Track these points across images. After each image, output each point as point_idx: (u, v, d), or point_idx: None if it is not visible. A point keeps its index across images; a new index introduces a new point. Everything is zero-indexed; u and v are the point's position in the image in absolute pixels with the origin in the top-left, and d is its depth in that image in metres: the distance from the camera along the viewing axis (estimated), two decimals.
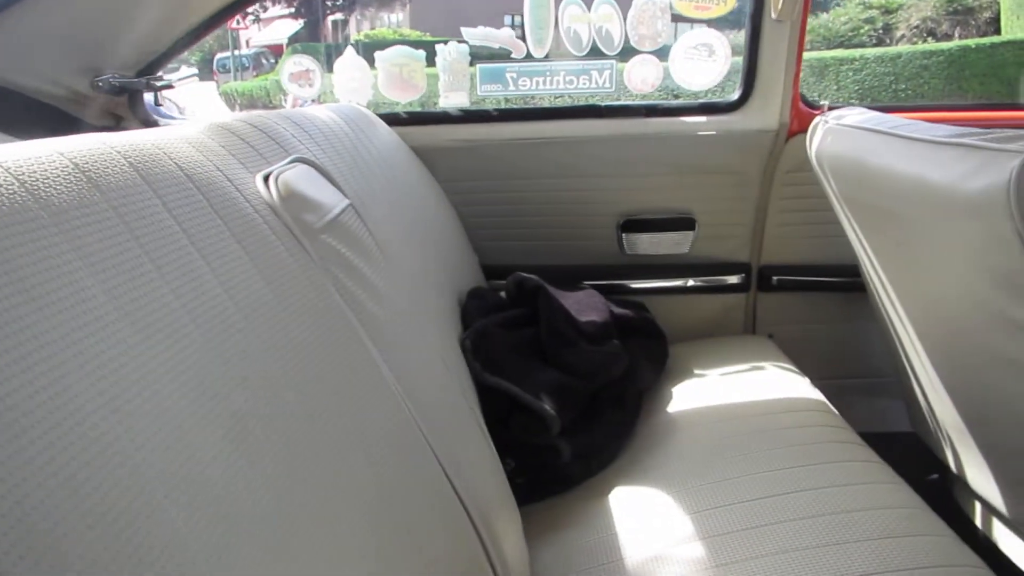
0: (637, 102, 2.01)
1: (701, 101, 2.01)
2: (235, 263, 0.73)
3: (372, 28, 21.59)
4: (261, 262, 0.78)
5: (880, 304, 1.56)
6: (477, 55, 2.03)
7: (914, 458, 1.66)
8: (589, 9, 1.92)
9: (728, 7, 1.92)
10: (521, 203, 2.05)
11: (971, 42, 10.91)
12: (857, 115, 1.47)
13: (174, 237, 0.67)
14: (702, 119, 1.96)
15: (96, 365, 0.51)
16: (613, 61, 1.98)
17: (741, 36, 1.95)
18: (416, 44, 2.05)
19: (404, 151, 1.82)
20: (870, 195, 1.36)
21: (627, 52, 1.96)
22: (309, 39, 20.59)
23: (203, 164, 0.80)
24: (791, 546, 1.08)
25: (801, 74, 1.95)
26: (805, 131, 1.64)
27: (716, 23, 1.97)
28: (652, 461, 1.41)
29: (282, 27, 21.42)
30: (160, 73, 1.64)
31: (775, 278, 2.09)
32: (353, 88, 2.01)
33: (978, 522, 1.50)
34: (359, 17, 22.37)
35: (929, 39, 12.23)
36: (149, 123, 1.70)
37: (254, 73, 17.57)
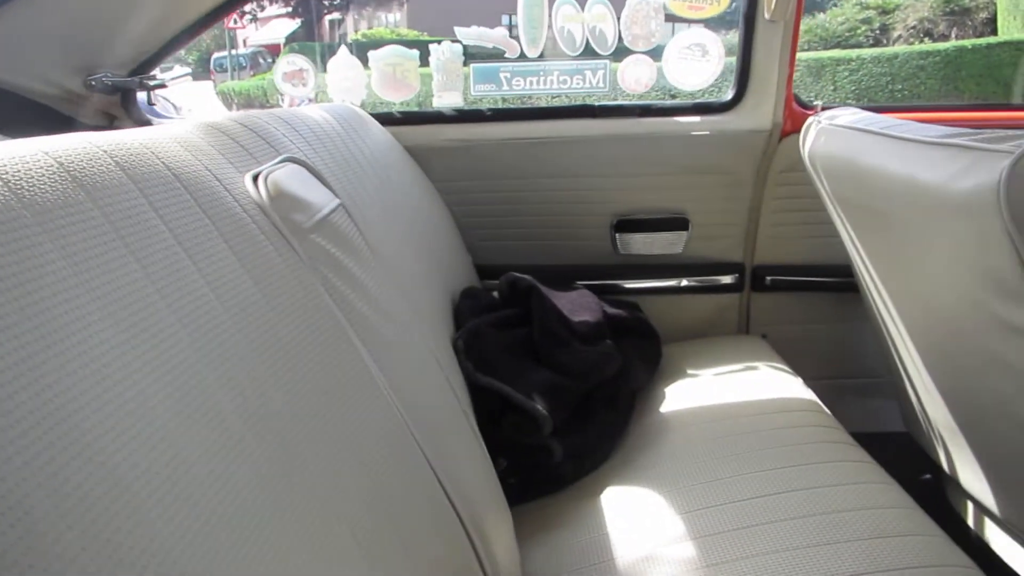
0: (631, 102, 2.01)
1: (694, 101, 2.01)
2: (222, 263, 0.73)
3: (369, 28, 21.59)
4: (249, 262, 0.78)
5: (873, 305, 1.56)
6: (475, 55, 2.03)
7: (907, 458, 1.67)
8: (583, 9, 1.92)
9: (722, 7, 1.92)
10: (515, 203, 2.05)
11: (967, 43, 10.93)
12: (850, 115, 1.47)
13: (160, 237, 0.67)
14: (695, 119, 1.96)
15: (79, 364, 0.51)
16: (607, 61, 1.98)
17: (736, 37, 1.95)
18: (413, 44, 2.04)
19: (398, 151, 1.81)
20: (862, 195, 1.37)
21: (621, 52, 1.96)
22: (306, 38, 20.60)
23: (192, 163, 0.80)
24: (781, 546, 1.08)
25: (798, 74, 1.95)
26: (798, 131, 1.64)
27: (712, 24, 1.96)
28: (644, 461, 1.41)
29: (279, 26, 21.43)
30: (154, 72, 1.64)
31: (768, 278, 2.09)
32: (347, 88, 2.00)
33: (971, 522, 1.50)
34: (356, 17, 22.37)
35: (926, 39, 12.25)
36: (142, 122, 1.69)
37: (251, 72, 17.58)
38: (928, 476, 1.75)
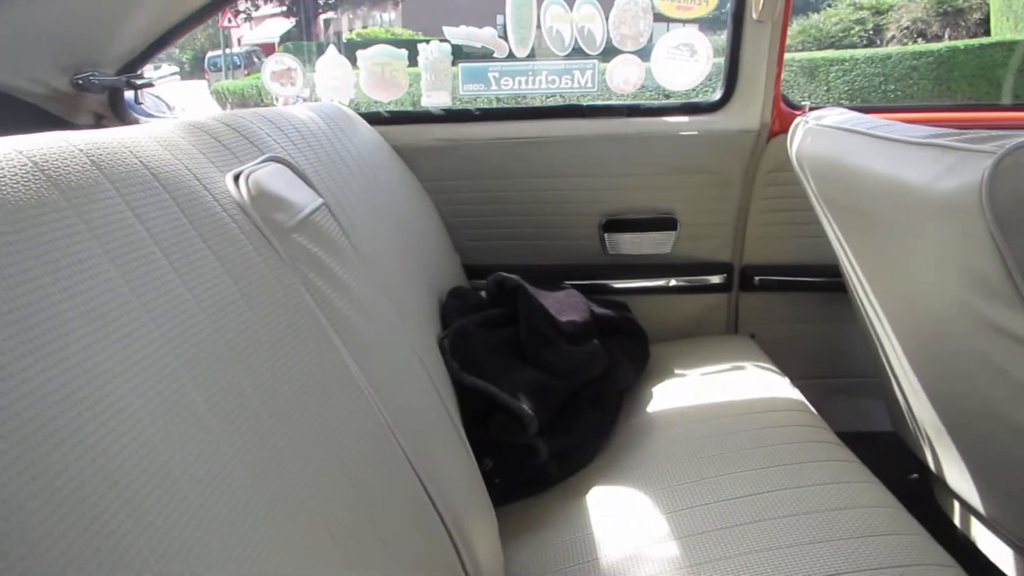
0: (619, 102, 2.01)
1: (683, 101, 2.01)
2: (201, 263, 0.73)
3: (364, 27, 21.57)
4: (228, 262, 0.77)
5: (860, 305, 1.56)
6: (470, 55, 2.03)
7: (895, 458, 1.67)
8: (571, 9, 1.92)
9: (710, 7, 1.92)
10: (503, 203, 2.05)
11: (960, 43, 10.95)
12: (837, 115, 1.48)
13: (136, 236, 0.66)
14: (684, 119, 1.96)
15: (49, 364, 0.50)
16: (595, 61, 1.98)
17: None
18: (409, 43, 2.04)
19: (386, 150, 1.81)
20: (849, 195, 1.37)
21: (610, 52, 1.96)
22: (301, 38, 20.56)
23: (171, 163, 0.80)
24: (765, 545, 1.08)
25: (791, 75, 1.95)
26: (787, 131, 1.64)
27: (706, 24, 1.96)
28: (630, 461, 1.41)
29: (274, 26, 21.37)
30: (141, 71, 1.63)
31: (757, 278, 2.09)
32: (335, 87, 2.00)
33: (957, 521, 1.50)
34: (351, 16, 22.35)
35: (919, 40, 12.25)
36: (130, 122, 1.69)
37: (245, 72, 17.52)
38: (915, 476, 1.75)
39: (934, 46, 11.12)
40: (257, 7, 20.63)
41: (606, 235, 2.06)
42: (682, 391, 1.65)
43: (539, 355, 1.51)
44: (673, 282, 2.11)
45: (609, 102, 2.02)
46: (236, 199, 0.88)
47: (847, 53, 11.37)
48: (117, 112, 1.65)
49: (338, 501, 0.75)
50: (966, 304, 1.09)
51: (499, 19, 2.06)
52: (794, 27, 12.92)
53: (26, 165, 0.59)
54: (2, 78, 1.38)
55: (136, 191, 0.70)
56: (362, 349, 0.96)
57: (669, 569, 1.08)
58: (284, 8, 20.95)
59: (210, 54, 19.04)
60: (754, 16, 1.83)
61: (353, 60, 2.03)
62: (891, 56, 11.06)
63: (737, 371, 1.72)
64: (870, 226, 1.33)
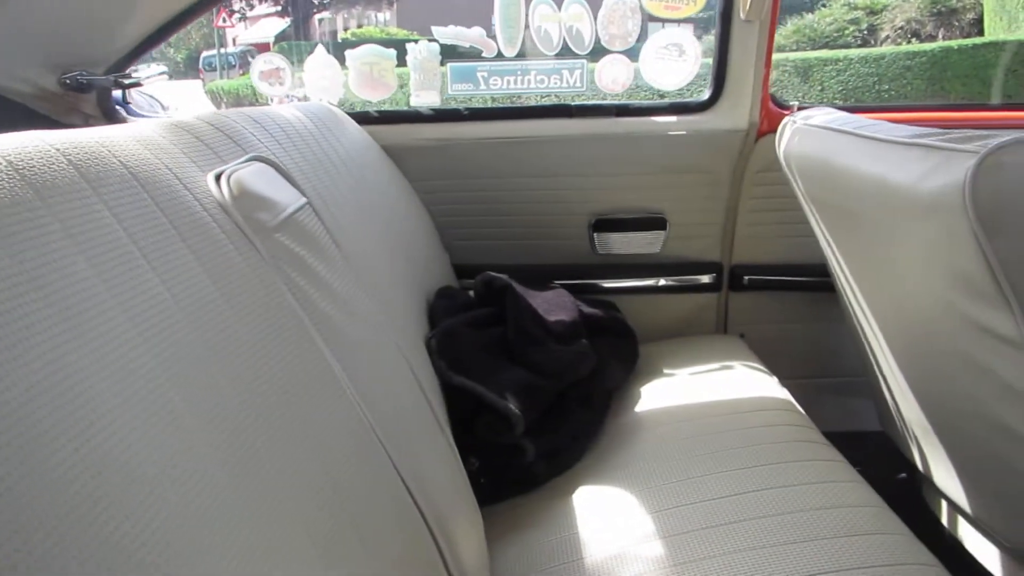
0: (608, 102, 2.01)
1: (671, 101, 2.01)
2: (179, 262, 0.73)
3: (359, 26, 21.57)
4: (208, 261, 0.77)
5: (848, 305, 1.56)
6: (464, 54, 2.03)
7: (884, 457, 1.67)
8: (559, 8, 1.92)
9: (698, 6, 1.92)
10: (493, 202, 2.05)
11: (953, 43, 10.96)
12: (824, 115, 1.48)
13: (113, 235, 0.66)
14: (672, 119, 1.97)
15: (23, 363, 0.50)
16: (584, 61, 1.98)
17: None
18: (401, 43, 2.03)
19: (374, 150, 1.81)
20: (835, 195, 1.37)
21: (599, 52, 1.96)
22: (296, 37, 20.54)
23: (151, 162, 0.80)
24: (749, 544, 1.08)
25: (785, 75, 1.96)
26: (775, 131, 1.64)
27: (701, 24, 1.96)
28: (617, 460, 1.41)
29: (269, 25, 21.36)
30: (129, 71, 1.63)
31: (746, 278, 2.09)
32: (324, 87, 2.00)
33: (944, 520, 1.50)
34: (346, 16, 22.34)
35: (913, 40, 12.28)
36: (118, 121, 1.69)
37: (240, 72, 17.50)
38: (904, 475, 1.76)
39: (927, 46, 11.14)
40: (252, 7, 20.62)
41: (596, 235, 2.06)
42: (670, 391, 1.65)
43: (527, 355, 1.51)
44: (662, 282, 2.11)
45: (598, 102, 2.03)
46: (217, 198, 0.87)
47: (841, 53, 11.38)
48: (106, 112, 1.65)
49: (318, 501, 0.75)
50: (951, 304, 1.09)
51: (494, 19, 2.05)
52: (788, 27, 12.95)
53: (0, 164, 0.59)
54: None
55: (114, 190, 0.70)
56: (345, 348, 0.95)
57: (653, 568, 1.08)
58: (279, 8, 20.93)
59: (205, 54, 19.04)
60: (742, 16, 1.83)
61: (343, 60, 2.03)
62: (885, 56, 11.08)
63: (725, 371, 1.72)
64: (856, 226, 1.33)
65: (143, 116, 1.80)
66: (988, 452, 1.20)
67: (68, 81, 1.48)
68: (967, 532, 1.41)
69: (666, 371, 1.75)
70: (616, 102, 2.00)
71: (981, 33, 11.87)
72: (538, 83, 2.01)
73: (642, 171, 2.00)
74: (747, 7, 1.80)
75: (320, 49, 2.01)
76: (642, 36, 1.98)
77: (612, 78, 1.98)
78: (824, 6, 13.46)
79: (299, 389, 0.81)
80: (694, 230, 2.07)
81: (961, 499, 1.33)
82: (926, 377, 1.32)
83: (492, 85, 2.01)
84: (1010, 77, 10.32)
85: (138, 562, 0.50)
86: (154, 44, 1.64)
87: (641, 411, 1.58)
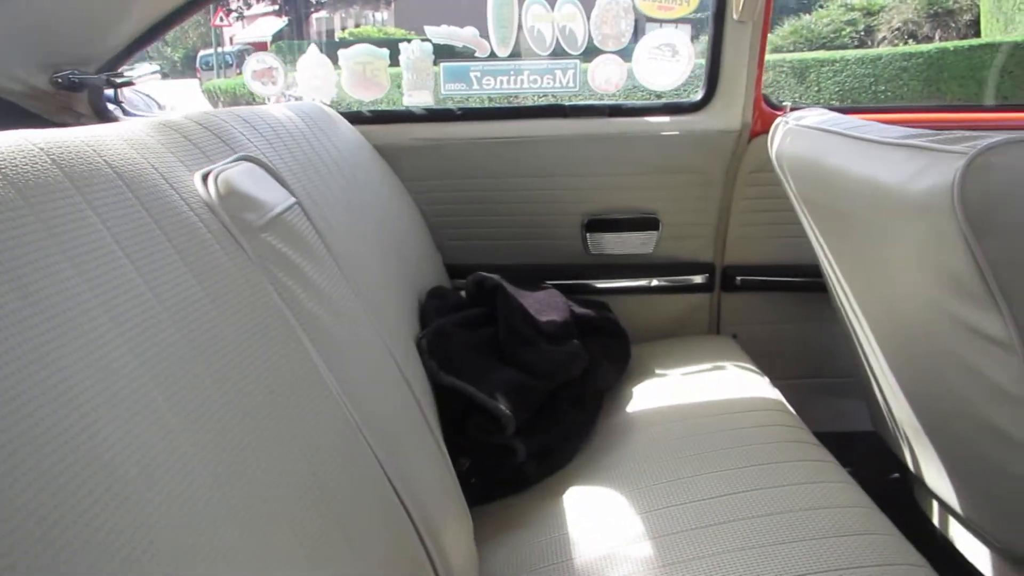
0: (601, 102, 2.01)
1: (664, 101, 2.01)
2: (164, 262, 0.73)
3: (357, 26, 21.55)
4: (194, 261, 0.77)
5: (840, 305, 1.56)
6: (462, 53, 2.02)
7: (876, 457, 1.68)
8: (552, 8, 1.91)
9: (691, 7, 1.92)
10: (485, 202, 2.05)
11: (950, 44, 10.97)
12: (817, 116, 1.48)
13: (97, 235, 0.66)
14: (665, 119, 1.97)
15: (5, 361, 0.50)
16: (577, 61, 1.98)
17: None
18: (397, 42, 2.03)
19: (367, 150, 1.81)
20: (827, 196, 1.37)
21: (593, 52, 1.96)
22: (293, 37, 20.53)
23: (137, 162, 0.80)
24: (737, 545, 1.08)
25: (783, 75, 1.96)
26: (767, 132, 1.64)
27: (698, 25, 1.96)
28: (608, 461, 1.41)
29: (266, 25, 21.34)
30: (121, 70, 1.63)
31: (739, 278, 2.09)
32: (316, 86, 2.00)
33: (935, 521, 1.51)
34: (344, 15, 22.33)
35: (910, 41, 12.29)
36: (110, 120, 1.69)
37: (237, 71, 17.49)
38: (896, 475, 1.76)
39: (924, 47, 11.15)
40: (249, 6, 20.60)
41: (588, 235, 2.06)
42: (662, 391, 1.65)
43: (518, 355, 1.51)
44: (655, 282, 2.11)
45: (591, 102, 2.03)
46: (204, 198, 0.87)
47: (838, 54, 11.39)
48: (97, 111, 1.65)
49: (303, 501, 0.75)
50: (940, 305, 1.09)
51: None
52: (785, 28, 12.97)
53: None
54: None
55: (98, 190, 0.70)
56: (332, 349, 0.95)
57: (642, 569, 1.08)
58: (276, 7, 20.91)
59: (202, 53, 19.04)
60: (735, 17, 1.83)
61: (335, 59, 2.03)
62: (881, 57, 11.08)
63: (717, 371, 1.72)
64: (848, 226, 1.33)
65: (138, 115, 1.80)
66: (978, 453, 1.20)
67: (60, 80, 1.48)
68: (958, 532, 1.41)
69: (658, 371, 1.75)
70: (609, 102, 2.00)
71: (978, 34, 11.88)
72: (531, 83, 2.01)
73: (635, 171, 2.00)
74: (740, 8, 1.80)
75: (313, 48, 2.01)
76: (640, 36, 1.98)
77: (605, 78, 1.98)
78: (821, 7, 13.48)
79: (285, 389, 0.81)
80: (687, 230, 2.07)
81: (952, 499, 1.34)
82: (917, 378, 1.32)
83: (485, 85, 2.01)
84: (1007, 78, 10.32)
85: (121, 561, 0.50)
86: (146, 43, 1.64)
87: (632, 411, 1.58)
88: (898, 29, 12.56)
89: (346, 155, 1.57)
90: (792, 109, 1.74)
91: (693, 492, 1.23)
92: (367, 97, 2.02)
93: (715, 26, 1.88)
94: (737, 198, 2.01)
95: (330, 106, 1.87)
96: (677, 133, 1.95)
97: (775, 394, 1.58)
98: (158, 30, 1.64)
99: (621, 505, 1.25)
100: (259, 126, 1.21)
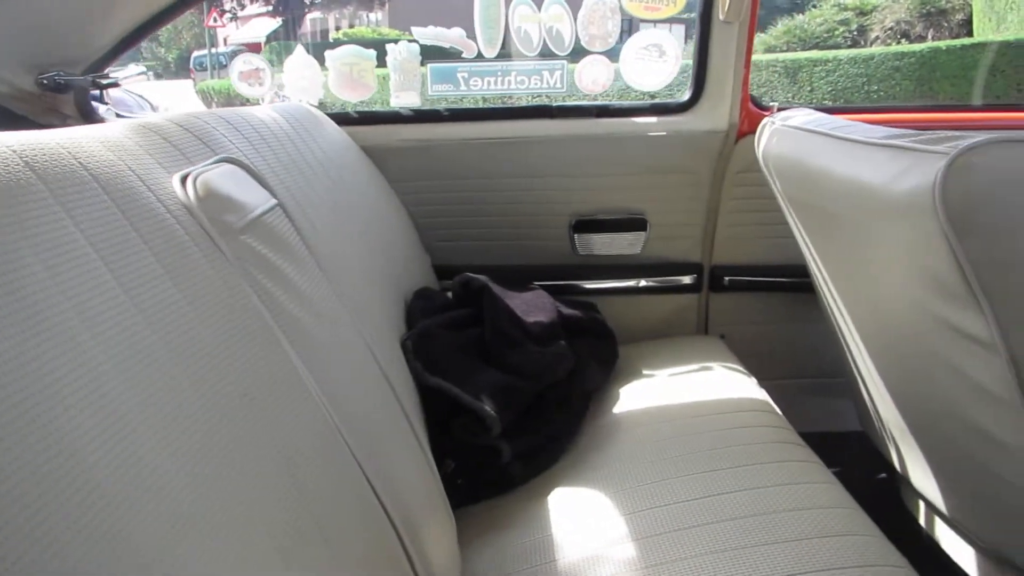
0: (589, 102, 2.01)
1: (652, 102, 2.01)
2: (139, 264, 0.73)
3: (351, 27, 21.54)
4: (170, 264, 0.77)
5: (827, 305, 1.57)
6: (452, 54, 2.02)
7: (865, 457, 1.68)
8: (539, 9, 1.91)
9: (678, 7, 1.92)
10: (473, 203, 2.05)
11: (942, 44, 10.99)
12: (803, 116, 1.48)
13: (70, 238, 0.66)
14: (652, 120, 1.97)
15: None
16: (564, 61, 1.98)
17: None
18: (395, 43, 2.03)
19: (354, 151, 1.81)
20: (812, 196, 1.37)
21: (580, 53, 1.96)
22: (287, 37, 20.52)
23: (113, 164, 0.79)
24: (720, 547, 1.08)
25: (776, 75, 1.96)
26: (755, 132, 1.64)
27: (692, 25, 1.96)
28: (594, 462, 1.41)
29: (260, 25, 21.31)
30: (107, 71, 1.62)
31: (727, 278, 2.10)
32: (303, 87, 2.00)
33: (922, 521, 1.51)
34: (338, 16, 22.32)
35: (903, 41, 12.30)
36: (96, 121, 1.68)
37: None
38: (884, 475, 1.76)
39: (917, 47, 11.15)
40: (243, 7, 20.57)
41: (576, 235, 2.06)
42: (649, 392, 1.65)
43: (504, 356, 1.51)
44: (643, 283, 2.11)
45: (579, 103, 2.03)
46: (183, 200, 0.87)
47: (831, 54, 11.39)
48: (83, 112, 1.64)
49: (280, 502, 0.75)
50: (924, 305, 1.09)
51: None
52: (779, 27, 12.98)
53: None
54: None
55: (72, 193, 0.69)
56: (312, 350, 0.95)
57: (625, 570, 1.08)
58: (270, 8, 20.89)
59: (196, 53, 19.02)
60: (721, 17, 1.83)
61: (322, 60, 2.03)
62: (874, 57, 11.09)
63: (704, 372, 1.72)
64: (833, 227, 1.33)
65: (128, 117, 1.80)
66: (964, 453, 1.20)
67: (45, 81, 1.47)
68: (944, 532, 1.41)
69: (645, 372, 1.75)
70: (597, 103, 2.00)
71: (970, 34, 11.90)
72: (518, 84, 2.00)
73: (623, 172, 2.00)
74: (726, 8, 1.80)
75: (299, 49, 2.01)
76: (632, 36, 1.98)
77: (592, 79, 1.98)
78: (814, 7, 13.49)
79: (263, 391, 0.81)
80: (675, 231, 2.07)
81: (937, 500, 1.34)
82: (902, 378, 1.32)
83: (472, 86, 2.01)
84: (999, 77, 10.34)
85: (94, 568, 0.50)
86: (132, 43, 1.63)
87: (619, 412, 1.58)
88: (891, 29, 12.57)
89: (332, 156, 1.57)
90: (779, 109, 1.74)
91: (677, 493, 1.23)
92: (354, 98, 2.02)
93: (702, 27, 1.88)
94: (725, 198, 2.01)
95: (317, 107, 1.87)
96: (664, 134, 1.95)
97: (761, 395, 1.58)
98: (144, 31, 1.63)
99: (606, 506, 1.25)
100: (242, 128, 1.21)
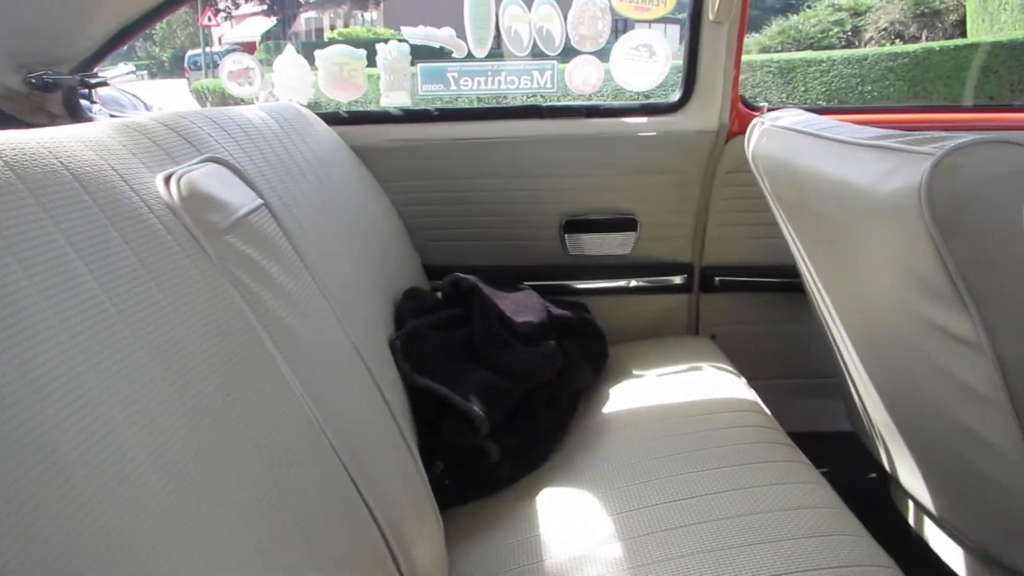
0: (579, 103, 2.01)
1: (642, 102, 2.01)
2: (121, 265, 0.72)
3: (346, 26, 21.51)
4: (152, 265, 0.77)
5: (816, 306, 1.57)
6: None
7: (855, 457, 1.68)
8: (529, 9, 1.91)
9: (668, 7, 1.92)
10: (463, 203, 2.04)
11: (935, 44, 11.01)
12: (792, 116, 1.48)
13: (50, 238, 0.66)
14: (643, 120, 1.97)
15: None
16: (554, 61, 1.97)
17: None
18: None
19: (343, 151, 1.81)
20: (800, 196, 1.37)
21: (571, 52, 1.96)
22: (282, 37, 20.49)
23: (95, 164, 0.79)
24: (707, 547, 1.08)
25: (770, 76, 1.96)
26: (744, 132, 1.64)
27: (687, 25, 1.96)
28: (582, 462, 1.41)
29: (255, 25, 21.27)
30: (96, 70, 1.62)
31: (717, 279, 2.10)
32: (293, 87, 1.99)
33: (911, 521, 1.51)
34: (333, 15, 22.28)
35: (897, 41, 12.32)
36: (84, 121, 1.67)
37: None
38: (873, 475, 1.76)
39: (910, 47, 11.17)
40: (237, 6, 20.53)
41: (567, 236, 2.06)
42: (638, 392, 1.65)
43: (493, 356, 1.51)
44: (634, 283, 2.11)
45: (569, 103, 2.02)
46: (166, 200, 0.87)
47: (825, 54, 11.41)
48: (72, 111, 1.64)
49: (262, 503, 0.75)
50: (910, 306, 1.09)
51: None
52: (773, 28, 12.99)
53: None
54: None
55: (52, 193, 0.69)
56: (296, 350, 0.95)
57: (613, 570, 1.08)
58: (265, 7, 20.85)
59: (190, 52, 19.00)
60: (711, 17, 1.83)
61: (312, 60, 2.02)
62: (868, 57, 11.11)
63: (694, 372, 1.72)
64: (821, 227, 1.33)
65: (117, 115, 1.79)
66: (951, 453, 1.20)
67: (33, 80, 1.46)
68: (932, 532, 1.41)
69: (635, 372, 1.75)
70: (587, 103, 2.00)
71: (964, 35, 11.92)
72: (509, 84, 2.00)
73: (613, 172, 2.00)
74: (716, 8, 1.80)
75: (289, 49, 2.00)
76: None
77: (582, 79, 1.98)
78: (809, 7, 13.51)
79: (245, 391, 0.80)
80: (665, 231, 2.07)
81: (926, 500, 1.34)
82: (890, 379, 1.32)
83: (463, 86, 2.00)
84: (992, 78, 10.36)
85: (73, 569, 0.50)
86: (121, 43, 1.62)
87: (608, 413, 1.58)
88: (885, 29, 12.60)
89: (321, 156, 1.56)
90: (769, 110, 1.74)
91: (665, 493, 1.23)
92: (344, 98, 2.01)
93: (692, 27, 1.88)
94: (715, 198, 2.01)
95: (310, 107, 1.87)
96: (655, 134, 1.95)
97: (751, 395, 1.58)
98: (133, 29, 1.62)
99: (594, 506, 1.25)
100: (229, 127, 1.20)
